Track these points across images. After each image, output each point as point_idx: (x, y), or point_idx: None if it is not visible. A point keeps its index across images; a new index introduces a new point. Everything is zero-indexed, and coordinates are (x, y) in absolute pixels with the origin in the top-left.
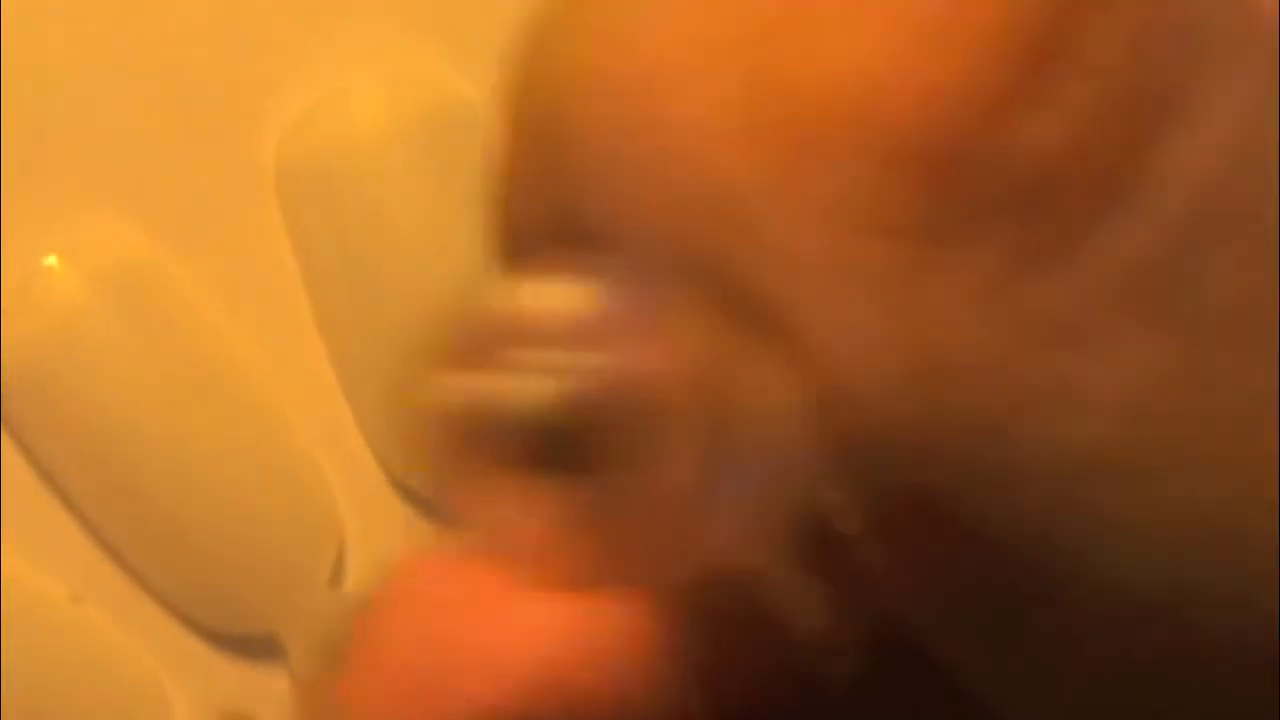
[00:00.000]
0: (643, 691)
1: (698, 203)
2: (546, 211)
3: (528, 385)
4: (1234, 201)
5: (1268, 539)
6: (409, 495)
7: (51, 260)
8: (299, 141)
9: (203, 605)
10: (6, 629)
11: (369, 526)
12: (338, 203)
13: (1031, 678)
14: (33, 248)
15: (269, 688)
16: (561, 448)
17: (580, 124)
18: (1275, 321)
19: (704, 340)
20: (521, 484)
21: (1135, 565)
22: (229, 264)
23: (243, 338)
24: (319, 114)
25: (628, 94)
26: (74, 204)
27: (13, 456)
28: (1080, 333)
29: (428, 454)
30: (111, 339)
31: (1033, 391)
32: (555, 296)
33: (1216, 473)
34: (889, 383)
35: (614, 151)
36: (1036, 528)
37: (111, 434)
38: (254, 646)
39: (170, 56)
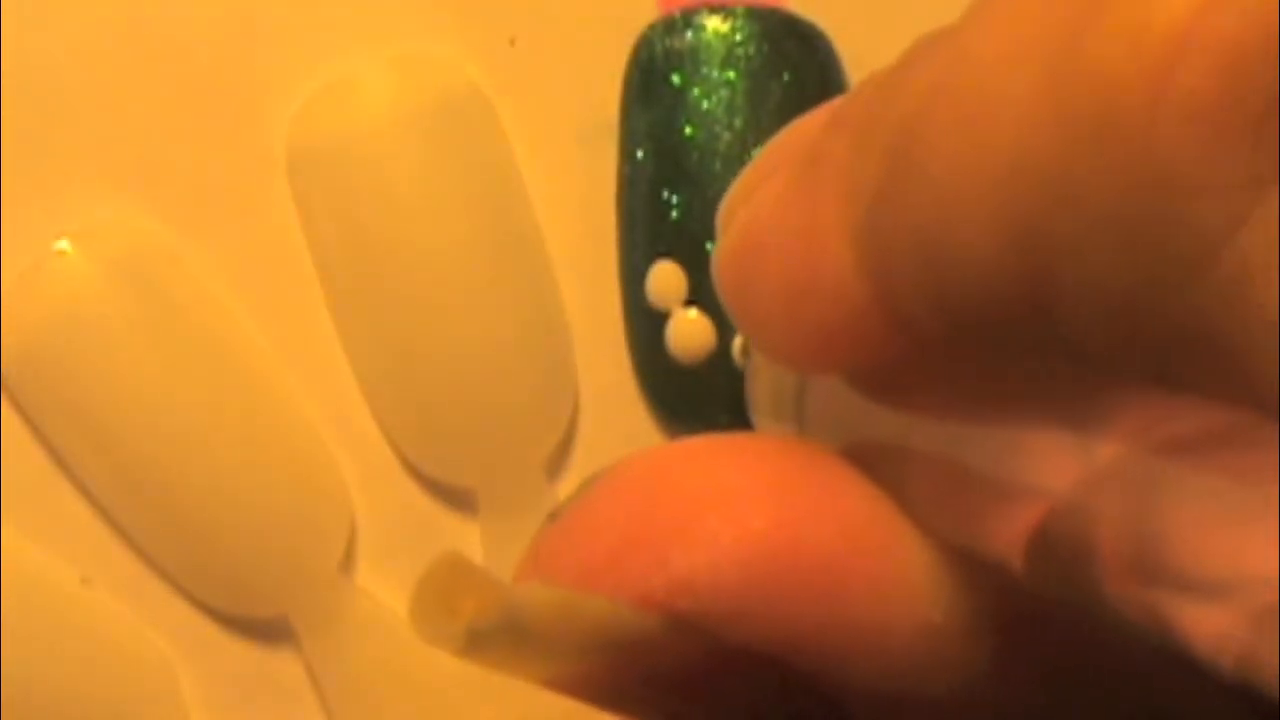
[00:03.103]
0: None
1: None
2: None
3: None
4: None
5: None
6: (420, 479)
7: (62, 244)
8: (310, 126)
9: (213, 588)
10: (16, 611)
11: (380, 510)
12: (349, 187)
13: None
14: (43, 232)
15: (279, 670)
16: None
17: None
18: None
19: None
20: None
21: None
22: (240, 248)
23: (253, 321)
24: (329, 98)
25: None
26: (84, 189)
27: (23, 440)
28: None
29: None
30: (122, 322)
31: None
32: None
33: None
34: None
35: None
36: None
37: (122, 417)
38: (265, 629)
39: (180, 40)
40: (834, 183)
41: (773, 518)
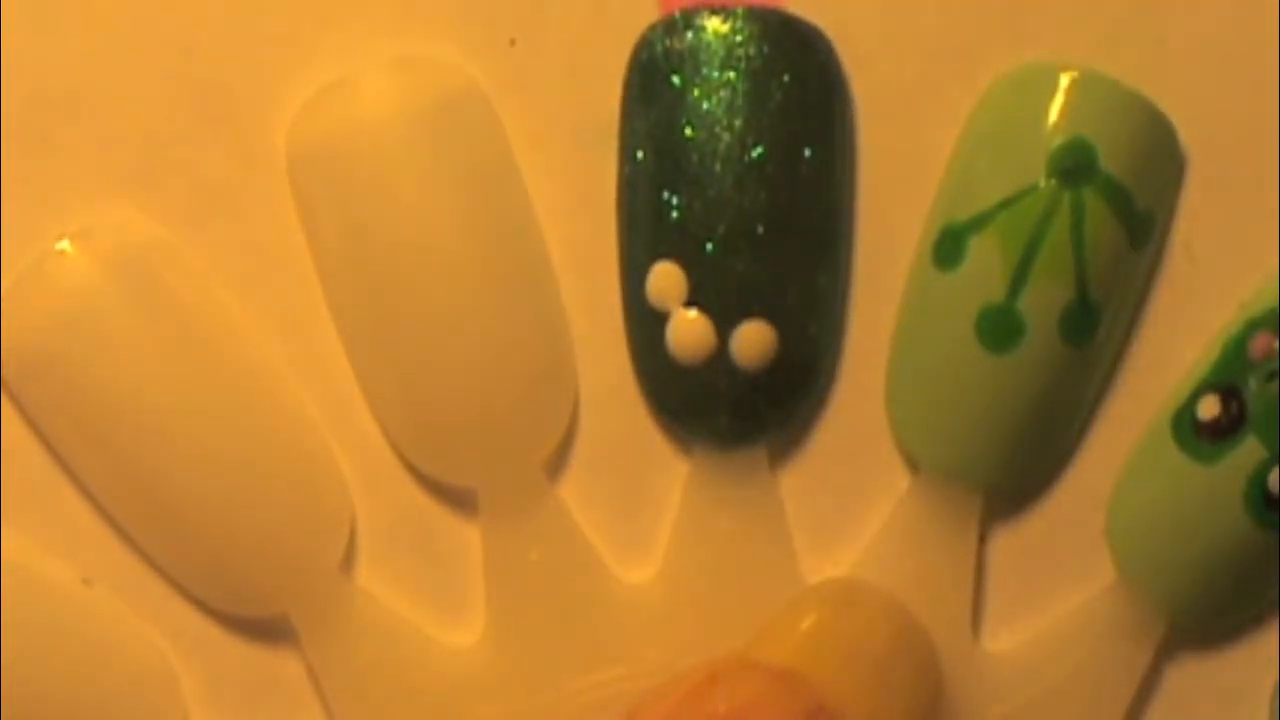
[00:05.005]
0: None
1: None
2: None
3: None
4: None
5: None
6: (421, 479)
7: (63, 245)
8: (310, 126)
9: (214, 587)
10: (17, 611)
11: (380, 510)
12: (349, 187)
13: None
14: (44, 232)
15: (280, 670)
16: None
17: None
18: None
19: None
20: None
21: None
22: (240, 248)
23: (254, 321)
24: (330, 98)
25: None
26: (85, 188)
27: (23, 440)
28: None
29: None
30: (123, 321)
31: None
32: None
33: None
34: None
35: None
36: None
37: (122, 416)
38: (265, 628)
39: (180, 40)
40: None
41: None
